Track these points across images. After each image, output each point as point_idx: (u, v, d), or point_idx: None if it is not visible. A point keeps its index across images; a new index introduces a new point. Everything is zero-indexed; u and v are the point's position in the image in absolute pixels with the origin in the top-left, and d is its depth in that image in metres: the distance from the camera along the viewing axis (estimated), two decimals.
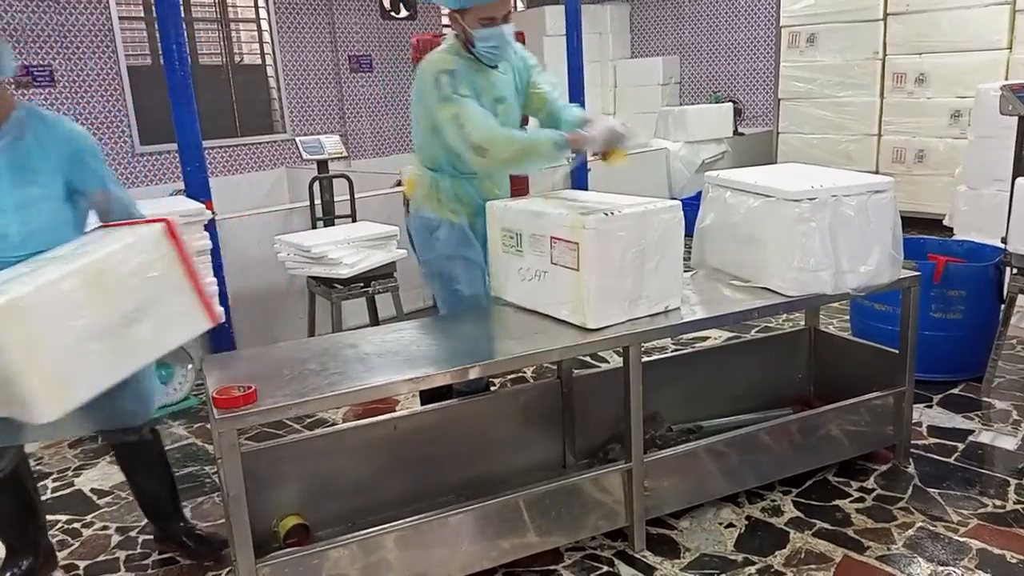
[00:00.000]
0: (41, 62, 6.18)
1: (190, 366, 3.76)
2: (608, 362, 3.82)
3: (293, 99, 7.71)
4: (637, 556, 2.40)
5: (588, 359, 3.86)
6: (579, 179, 5.69)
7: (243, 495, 1.95)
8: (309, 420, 3.45)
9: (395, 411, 3.37)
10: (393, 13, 8.24)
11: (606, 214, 2.26)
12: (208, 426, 3.53)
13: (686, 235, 2.46)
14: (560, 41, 5.94)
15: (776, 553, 2.39)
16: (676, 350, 3.88)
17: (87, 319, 1.93)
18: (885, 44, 6.27)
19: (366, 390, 2.08)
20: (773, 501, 2.67)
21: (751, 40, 8.36)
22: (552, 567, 2.39)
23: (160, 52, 4.13)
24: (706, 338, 4.16)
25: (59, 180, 2.15)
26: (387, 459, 2.62)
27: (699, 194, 3.09)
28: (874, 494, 2.69)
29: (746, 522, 2.57)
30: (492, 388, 3.03)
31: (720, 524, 2.56)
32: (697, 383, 3.11)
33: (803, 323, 3.41)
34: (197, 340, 4.04)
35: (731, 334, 4.14)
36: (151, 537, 2.66)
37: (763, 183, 2.66)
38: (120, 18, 6.64)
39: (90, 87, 6.48)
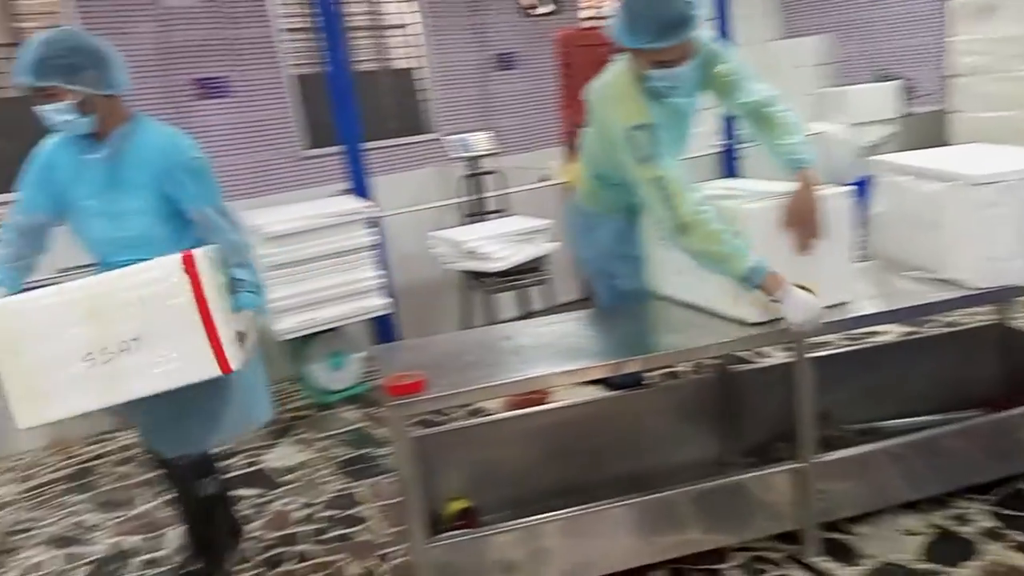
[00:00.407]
0: (217, 74, 6.71)
1: (360, 355, 3.98)
2: (769, 357, 3.69)
3: (442, 99, 7.96)
4: (810, 561, 2.32)
5: (745, 355, 3.74)
6: (728, 167, 5.53)
7: (415, 477, 2.06)
8: (466, 408, 3.57)
9: (549, 402, 3.42)
10: (533, 10, 8.31)
11: (768, 200, 2.19)
12: (377, 411, 3.74)
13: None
14: (707, 27, 5.75)
15: (966, 564, 2.23)
16: (846, 346, 3.68)
17: (77, 338, 1.94)
18: None
19: (525, 381, 2.12)
20: (960, 509, 2.48)
21: (914, 14, 7.77)
22: (718, 566, 2.35)
23: (323, 60, 4.39)
24: (879, 333, 3.92)
25: (154, 194, 2.16)
26: (547, 449, 2.67)
27: (862, 180, 2.92)
28: None
29: (930, 530, 2.41)
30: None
31: (901, 531, 2.41)
32: (870, 381, 2.94)
33: (990, 318, 3.14)
34: (363, 329, 4.34)
35: (908, 329, 3.87)
36: (332, 512, 2.86)
37: (944, 166, 2.49)
38: (286, 30, 7.10)
39: (260, 95, 6.97)
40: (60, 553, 2.79)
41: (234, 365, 2.04)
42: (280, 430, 3.65)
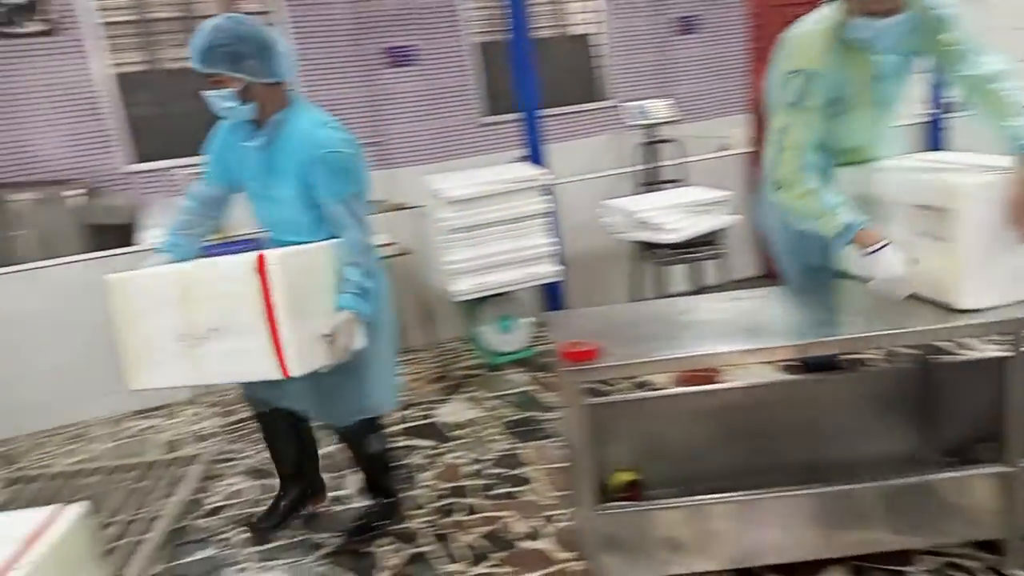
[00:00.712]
0: (406, 43, 6.98)
1: (529, 319, 4.05)
2: (973, 350, 3.36)
3: (619, 65, 7.83)
4: (1012, 573, 2.11)
5: (945, 345, 3.43)
6: (933, 138, 5.05)
7: (586, 444, 2.07)
8: (632, 381, 3.54)
9: (719, 381, 3.32)
10: None
11: (989, 176, 1.97)
12: (543, 376, 3.80)
13: None
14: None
15: None
16: None
17: (172, 319, 2.11)
18: None
19: (706, 356, 2.07)
20: None
21: None
22: (904, 569, 2.19)
23: (505, 27, 4.43)
24: None
25: (299, 182, 2.25)
26: (720, 429, 2.59)
27: None
28: None
29: None
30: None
31: None
32: None
33: None
34: (532, 295, 4.42)
35: None
36: (499, 470, 2.96)
37: None
38: None
39: (443, 63, 7.18)
40: (256, 483, 3.07)
41: (296, 370, 2.06)
42: (452, 387, 3.81)
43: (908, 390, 2.57)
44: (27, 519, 1.99)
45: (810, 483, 2.17)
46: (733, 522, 2.16)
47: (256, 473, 3.14)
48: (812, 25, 2.24)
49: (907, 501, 2.13)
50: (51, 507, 2.07)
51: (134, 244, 4.32)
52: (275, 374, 2.07)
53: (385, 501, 2.67)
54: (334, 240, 2.26)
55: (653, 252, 3.78)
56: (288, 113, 2.28)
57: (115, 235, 4.73)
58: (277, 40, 2.25)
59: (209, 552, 2.62)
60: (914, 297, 2.15)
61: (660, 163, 4.71)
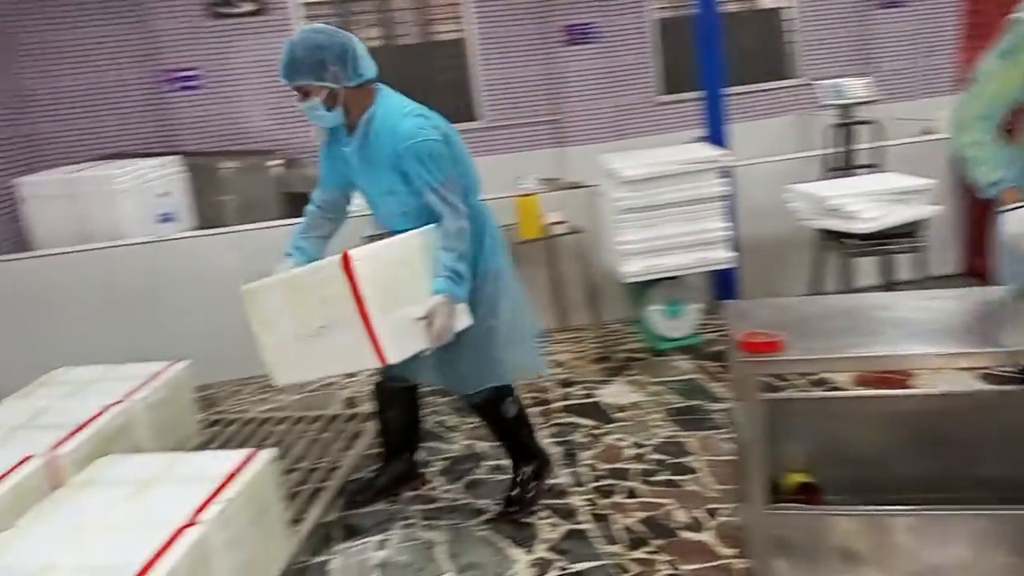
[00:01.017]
0: (586, 21, 6.93)
1: (697, 306, 3.94)
2: None
3: (811, 40, 7.35)
4: None
5: None
6: None
7: (760, 440, 1.98)
8: (809, 379, 3.36)
9: (909, 386, 3.07)
10: None
11: None
12: (710, 365, 3.69)
13: None
14: None
15: None
16: None
17: (291, 321, 2.30)
18: None
19: (904, 358, 1.91)
20: None
21: None
22: None
23: (686, 3, 4.28)
24: None
25: (396, 174, 2.33)
26: (907, 436, 2.39)
27: None
28: None
29: None
30: None
31: None
32: None
33: None
34: (702, 281, 4.29)
35: None
36: (661, 456, 2.92)
37: None
38: None
39: (622, 41, 7.07)
40: (423, 446, 3.19)
41: (394, 357, 2.20)
42: (615, 368, 3.79)
43: None
44: (225, 459, 2.24)
45: (1010, 503, 1.96)
46: (917, 538, 1.98)
47: (426, 435, 3.27)
48: None
49: None
50: (245, 451, 2.32)
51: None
52: (375, 363, 2.23)
53: (533, 467, 2.69)
54: (428, 226, 2.33)
55: (841, 242, 3.54)
56: (374, 109, 2.35)
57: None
58: (355, 43, 2.33)
59: (380, 506, 2.78)
60: None
61: (854, 147, 4.39)
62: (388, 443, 2.88)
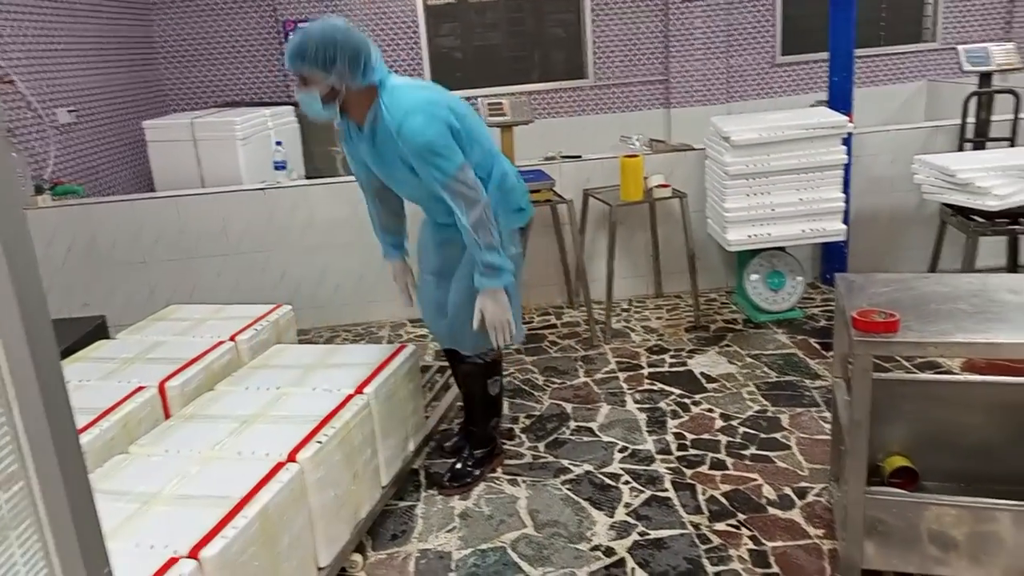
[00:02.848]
0: None
1: (800, 278, 3.79)
2: None
3: (951, 3, 6.81)
4: None
5: None
6: None
7: (866, 422, 1.89)
8: (919, 362, 3.18)
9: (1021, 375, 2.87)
10: None
11: None
12: (811, 340, 3.55)
13: None
14: None
15: None
16: None
17: None
18: None
19: None
20: None
21: None
22: None
23: None
24: None
25: (407, 170, 2.34)
26: (1015, 428, 2.24)
27: None
28: None
29: None
30: None
31: None
32: None
33: None
34: (807, 253, 4.11)
35: None
36: (751, 431, 2.85)
37: None
38: None
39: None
40: (507, 402, 3.20)
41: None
42: (709, 338, 3.70)
43: None
44: (378, 351, 2.71)
45: None
46: (1019, 532, 1.87)
47: (509, 392, 3.31)
48: None
49: None
50: (391, 345, 2.74)
51: None
52: None
53: (484, 452, 2.72)
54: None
55: (968, 219, 3.30)
56: (377, 109, 2.31)
57: None
58: (370, 46, 2.28)
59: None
60: None
61: (991, 118, 4.06)
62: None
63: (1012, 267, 3.72)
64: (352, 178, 4.37)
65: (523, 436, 2.93)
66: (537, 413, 3.13)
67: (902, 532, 1.94)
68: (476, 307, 2.42)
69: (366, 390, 2.40)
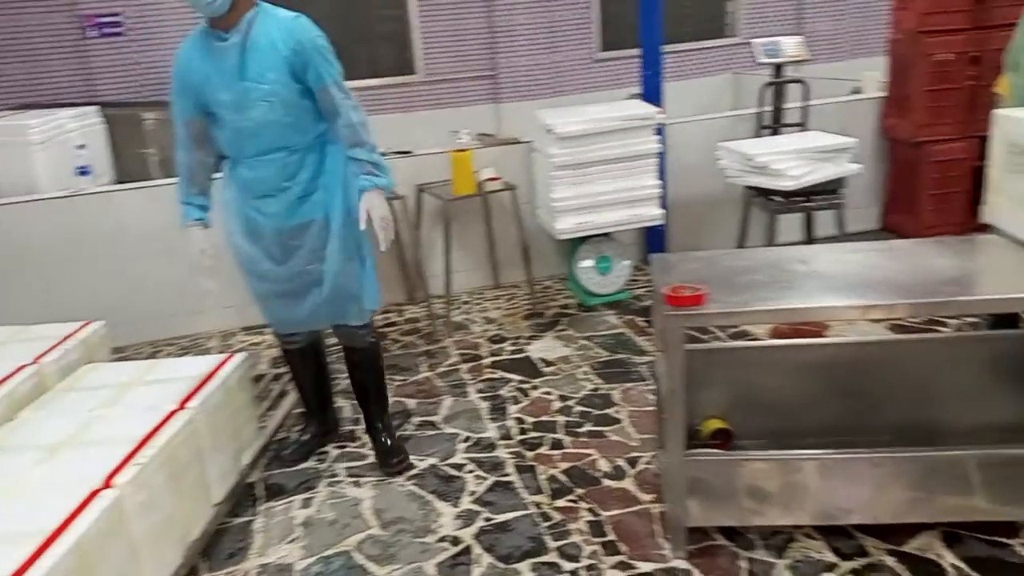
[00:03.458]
0: None
1: (627, 262, 3.99)
2: None
3: (747, 0, 7.40)
4: None
5: None
6: None
7: (681, 390, 2.02)
8: (733, 331, 3.44)
9: (825, 336, 3.18)
10: None
11: None
12: (638, 319, 3.75)
13: None
14: None
15: None
16: None
17: None
18: None
19: (818, 310, 1.97)
20: None
21: None
22: (1005, 540, 2.08)
23: None
24: None
25: (281, 77, 2.27)
26: (817, 384, 2.48)
27: None
28: None
29: None
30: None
31: None
32: None
33: None
34: (632, 238, 4.33)
35: None
36: (585, 409, 2.97)
37: None
38: None
39: None
40: (351, 403, 3.13)
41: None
42: (545, 324, 3.82)
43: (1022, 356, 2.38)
44: (203, 363, 2.57)
45: (906, 445, 2.06)
46: (823, 479, 2.08)
47: (351, 395, 3.24)
48: None
49: (1014, 472, 1.99)
50: (217, 356, 2.58)
51: None
52: None
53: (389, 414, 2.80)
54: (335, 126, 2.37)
55: (768, 199, 3.61)
56: (259, 10, 2.31)
57: None
58: None
59: (307, 464, 2.76)
60: None
61: (784, 105, 4.45)
62: (308, 405, 2.87)
63: (808, 240, 4.10)
64: (169, 180, 4.14)
65: (366, 436, 2.90)
66: None
67: (720, 489, 2.10)
68: (362, 208, 2.37)
69: (190, 405, 2.28)
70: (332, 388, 2.95)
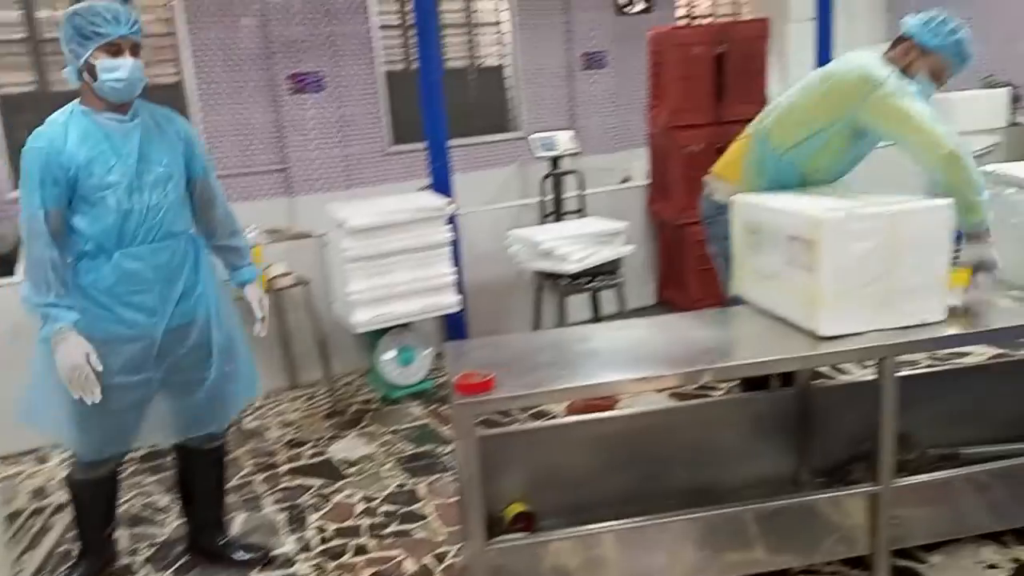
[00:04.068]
0: (313, 69, 6.90)
1: (428, 351, 4.01)
2: (848, 373, 3.52)
3: (528, 98, 7.96)
4: None
5: (824, 369, 3.57)
6: None
7: (477, 477, 2.03)
8: (534, 410, 3.54)
9: (618, 409, 3.36)
10: (628, 9, 8.21)
11: (848, 213, 2.07)
12: (441, 409, 3.76)
13: None
14: (806, 28, 5.56)
15: None
16: (931, 366, 3.48)
17: None
18: None
19: (598, 385, 2.08)
20: None
21: None
22: None
23: (414, 57, 4.44)
24: (967, 354, 3.69)
25: (179, 160, 2.29)
26: (610, 456, 2.61)
27: None
28: None
29: (1012, 565, 2.25)
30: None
31: (979, 564, 2.26)
32: (956, 404, 2.76)
33: None
34: (432, 326, 4.37)
35: (998, 351, 3.63)
36: (391, 507, 2.89)
37: None
38: (380, 27, 7.23)
39: (352, 91, 7.13)
40: (127, 532, 2.84)
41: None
42: (347, 422, 3.71)
43: (789, 413, 2.66)
44: None
45: (694, 507, 2.21)
46: (622, 549, 2.16)
47: (129, 520, 2.94)
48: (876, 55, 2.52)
49: (786, 521, 2.19)
50: None
51: (15, 274, 4.07)
52: None
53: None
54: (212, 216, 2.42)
55: (556, 282, 3.81)
56: (138, 100, 2.26)
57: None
58: None
59: None
60: (791, 324, 2.24)
61: (564, 194, 4.78)
62: (94, 539, 2.52)
63: (596, 318, 4.36)
64: None
65: (145, 568, 2.61)
66: (162, 539, 2.81)
67: (525, 574, 2.12)
68: (254, 298, 2.51)
69: None
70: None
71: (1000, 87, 6.79)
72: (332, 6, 6.92)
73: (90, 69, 2.13)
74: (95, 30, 2.11)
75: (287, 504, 2.98)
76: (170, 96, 6.50)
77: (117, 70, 2.11)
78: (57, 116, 2.20)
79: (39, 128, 2.19)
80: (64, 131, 2.16)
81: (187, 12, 6.41)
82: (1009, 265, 2.42)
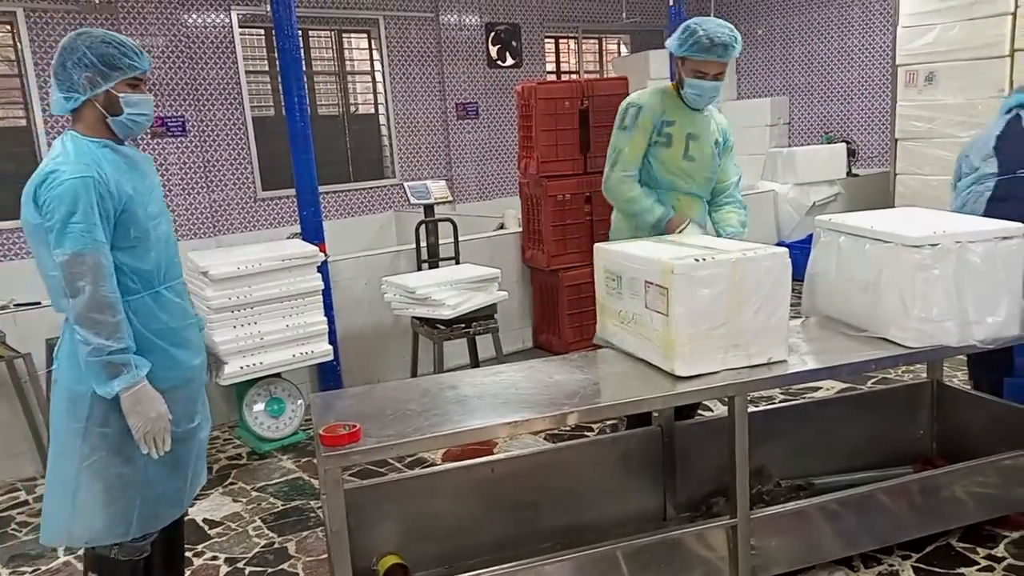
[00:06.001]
0: (175, 113, 6.67)
1: (300, 402, 3.89)
2: (712, 410, 3.70)
3: (403, 146, 8.00)
4: None
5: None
6: None
7: (345, 532, 1.99)
8: (410, 459, 3.50)
9: (493, 454, 3.37)
10: (499, 62, 8.48)
11: (697, 260, 2.22)
12: (315, 461, 3.64)
13: (796, 280, 2.37)
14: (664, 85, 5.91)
15: None
16: (784, 401, 3.72)
17: None
18: (1012, 82, 5.91)
19: (465, 432, 2.09)
20: (891, 566, 2.49)
21: (865, 80, 8.09)
22: None
23: (283, 103, 4.38)
24: (817, 389, 3.97)
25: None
26: (484, 502, 2.61)
27: (809, 237, 3.00)
28: (1004, 563, 2.47)
29: None
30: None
31: None
32: (808, 437, 2.96)
33: (924, 375, 3.21)
34: (306, 376, 4.26)
35: (844, 385, 3.94)
36: (257, 569, 2.75)
37: (881, 227, 2.54)
38: (246, 72, 7.10)
39: (218, 136, 6.94)
40: None
41: None
42: (212, 480, 3.52)
43: (655, 451, 2.76)
44: None
45: (568, 548, 2.24)
46: None
47: None
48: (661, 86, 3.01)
49: (653, 557, 2.26)
50: None
51: None
52: None
53: None
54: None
55: (432, 327, 3.81)
56: None
57: None
58: None
59: None
60: (651, 365, 2.34)
61: (439, 241, 4.82)
62: None
63: (475, 363, 4.39)
64: None
65: None
66: None
67: None
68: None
69: None
70: None
71: (838, 143, 7.47)
72: (195, 51, 6.75)
73: (110, 100, 2.00)
74: (129, 62, 2.00)
75: None
76: (17, 139, 6.10)
77: (141, 105, 2.05)
78: (77, 146, 1.97)
79: (60, 159, 1.94)
80: (99, 167, 1.95)
81: (33, 54, 6.07)
82: (844, 308, 2.64)
